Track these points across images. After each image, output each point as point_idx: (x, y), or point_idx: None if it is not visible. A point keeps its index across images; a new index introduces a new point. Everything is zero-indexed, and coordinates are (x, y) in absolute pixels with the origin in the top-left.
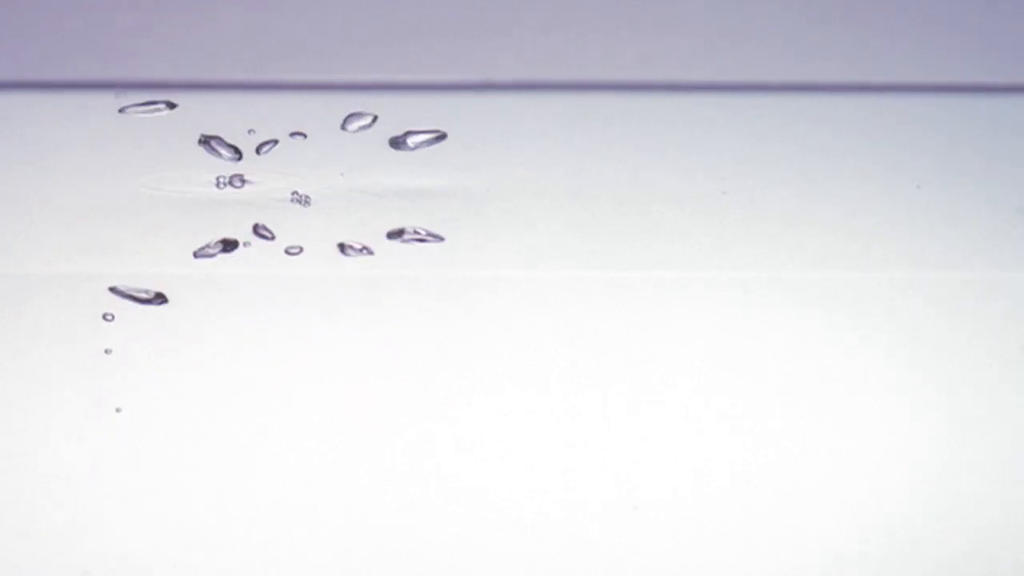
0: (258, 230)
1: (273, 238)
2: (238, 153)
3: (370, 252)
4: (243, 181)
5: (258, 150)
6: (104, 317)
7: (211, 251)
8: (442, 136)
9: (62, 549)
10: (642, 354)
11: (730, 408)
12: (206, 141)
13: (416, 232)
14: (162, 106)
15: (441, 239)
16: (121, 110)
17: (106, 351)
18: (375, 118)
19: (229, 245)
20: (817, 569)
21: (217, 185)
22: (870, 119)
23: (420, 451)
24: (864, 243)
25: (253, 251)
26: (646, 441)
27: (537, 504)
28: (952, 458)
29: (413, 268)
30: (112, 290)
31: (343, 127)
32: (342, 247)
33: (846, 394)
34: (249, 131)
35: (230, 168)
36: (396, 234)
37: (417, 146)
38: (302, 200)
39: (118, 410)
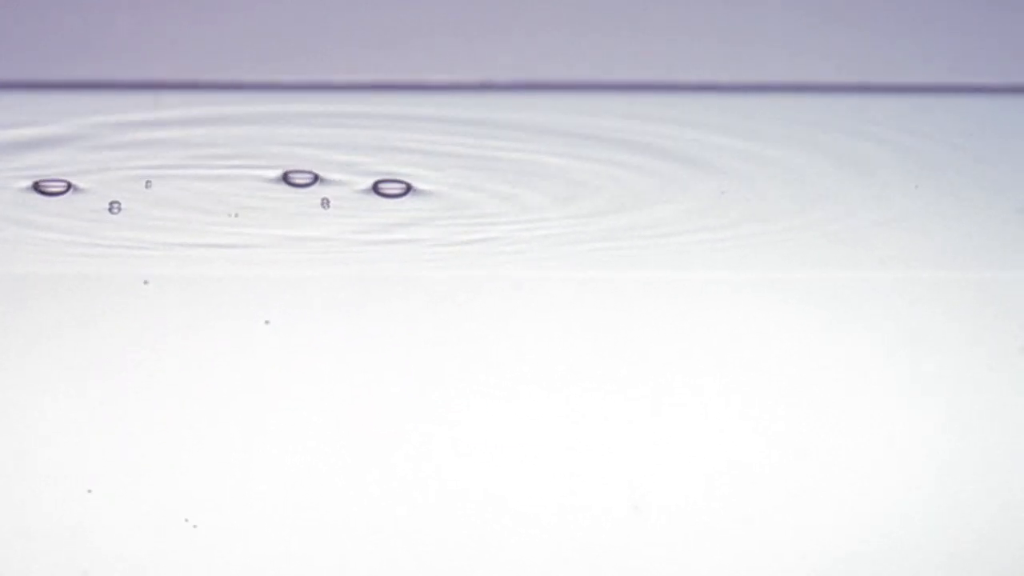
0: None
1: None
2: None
3: (369, 251)
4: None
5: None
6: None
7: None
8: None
9: (62, 549)
10: (641, 355)
11: (729, 408)
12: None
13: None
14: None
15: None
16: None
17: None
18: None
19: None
20: (818, 569)
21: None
22: (870, 119)
23: (419, 452)
24: (864, 243)
25: (256, 251)
26: (646, 441)
27: (535, 504)
28: (951, 459)
29: (412, 268)
30: None
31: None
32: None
33: (845, 394)
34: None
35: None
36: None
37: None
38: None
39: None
